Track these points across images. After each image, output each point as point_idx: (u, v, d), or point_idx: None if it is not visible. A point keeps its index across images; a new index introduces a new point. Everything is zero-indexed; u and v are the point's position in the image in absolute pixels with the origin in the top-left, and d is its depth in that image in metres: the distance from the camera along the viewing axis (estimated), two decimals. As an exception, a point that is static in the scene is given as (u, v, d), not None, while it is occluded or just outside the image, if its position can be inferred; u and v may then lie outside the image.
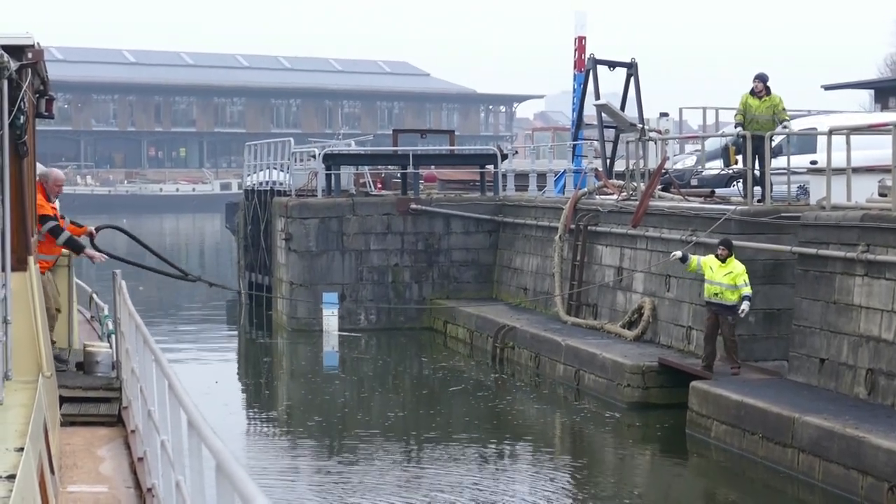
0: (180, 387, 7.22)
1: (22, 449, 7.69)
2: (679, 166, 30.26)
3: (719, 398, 19.66)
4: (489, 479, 18.43)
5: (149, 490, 9.55)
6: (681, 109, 33.89)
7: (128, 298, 12.51)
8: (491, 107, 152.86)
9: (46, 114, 12.45)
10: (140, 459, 10.56)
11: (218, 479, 5.20)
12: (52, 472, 9.40)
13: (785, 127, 23.99)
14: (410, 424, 22.66)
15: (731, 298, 20.66)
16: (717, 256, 20.92)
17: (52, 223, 14.04)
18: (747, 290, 20.56)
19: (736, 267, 20.76)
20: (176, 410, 7.50)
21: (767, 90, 23.84)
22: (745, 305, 20.53)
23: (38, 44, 10.68)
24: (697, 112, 33.54)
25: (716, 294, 20.77)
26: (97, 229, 15.38)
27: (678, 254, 22.10)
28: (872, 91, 54.75)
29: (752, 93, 23.87)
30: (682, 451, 20.32)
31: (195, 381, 26.72)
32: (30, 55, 10.57)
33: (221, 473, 5.16)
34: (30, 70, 10.71)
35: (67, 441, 11.67)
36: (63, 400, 12.76)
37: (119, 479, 10.48)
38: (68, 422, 12.43)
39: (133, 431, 11.56)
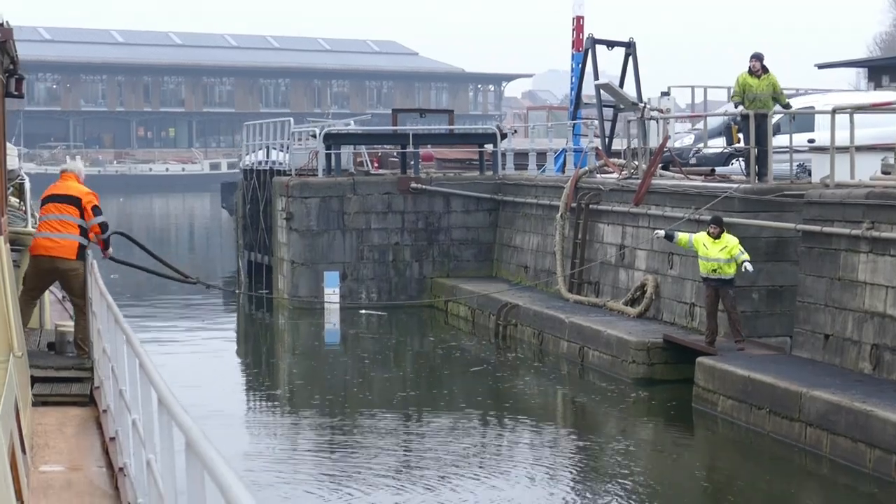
0: (151, 366, 7.14)
1: None
2: (677, 145, 30.50)
3: (726, 373, 19.95)
4: (494, 454, 18.71)
5: (120, 469, 9.44)
6: (669, 88, 34.01)
7: (99, 279, 12.47)
8: (480, 86, 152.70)
9: (16, 93, 12.35)
10: (112, 439, 10.40)
11: (188, 456, 5.17)
12: (24, 451, 9.29)
13: (787, 106, 24.29)
14: (414, 401, 22.86)
15: (730, 272, 21.01)
16: (709, 234, 21.19)
17: (104, 219, 14.38)
18: (745, 257, 20.88)
19: (730, 241, 21.08)
20: (147, 389, 7.43)
21: (765, 69, 24.09)
22: (747, 265, 20.79)
23: (6, 22, 10.48)
24: (687, 91, 33.76)
25: (714, 270, 21.08)
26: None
27: (661, 232, 22.52)
28: (866, 69, 55.02)
29: (750, 72, 24.09)
30: (689, 425, 20.62)
31: (197, 361, 27.04)
32: None
33: (191, 451, 5.13)
34: None
35: (39, 421, 11.55)
36: (35, 380, 12.64)
37: (91, 458, 10.37)
38: (40, 402, 12.31)
39: (105, 411, 11.40)
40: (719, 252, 21.02)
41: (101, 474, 9.86)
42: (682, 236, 21.86)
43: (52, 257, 13.88)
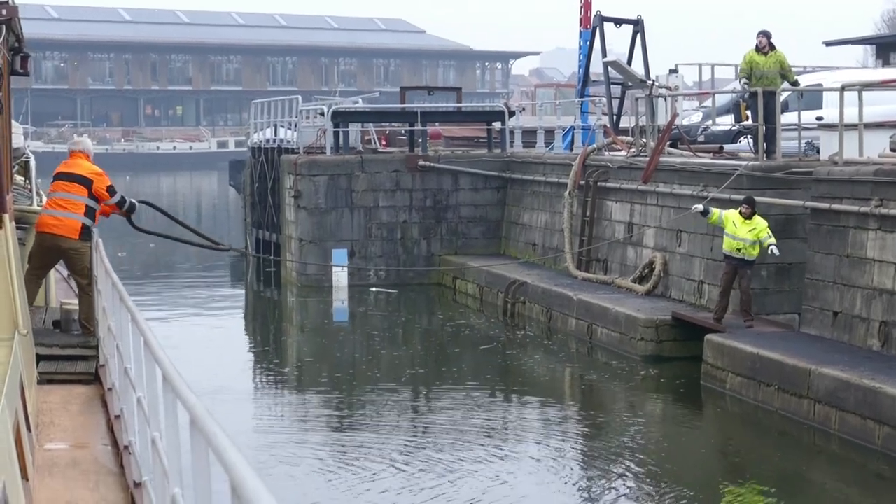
0: (156, 344, 7.13)
1: None
2: (685, 122, 30.44)
3: (734, 351, 19.95)
4: (502, 431, 18.72)
5: (125, 447, 9.37)
6: (677, 66, 33.87)
7: (104, 256, 12.45)
8: (487, 64, 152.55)
9: (22, 71, 12.29)
10: (117, 417, 10.35)
11: (192, 433, 5.13)
12: (29, 429, 9.21)
13: (794, 83, 24.24)
14: (423, 379, 22.87)
15: (753, 253, 20.94)
16: (741, 213, 21.04)
17: (119, 197, 14.38)
18: (772, 241, 20.77)
19: (759, 223, 20.93)
20: (152, 367, 7.41)
21: (772, 46, 24.04)
22: (773, 249, 20.70)
23: (11, 0, 10.52)
24: (694, 68, 33.63)
25: (738, 249, 20.96)
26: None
27: (699, 207, 22.25)
28: (874, 47, 54.89)
29: (757, 49, 24.04)
30: (698, 402, 20.63)
31: (205, 339, 27.11)
32: (3, 12, 10.38)
33: (195, 427, 5.10)
34: (4, 27, 10.50)
35: (44, 399, 11.49)
36: (40, 358, 12.56)
37: (96, 436, 10.32)
38: (45, 380, 12.25)
39: (110, 389, 11.35)
40: (747, 233, 20.89)
41: (106, 452, 9.83)
42: (714, 212, 21.75)
43: (55, 235, 13.87)
